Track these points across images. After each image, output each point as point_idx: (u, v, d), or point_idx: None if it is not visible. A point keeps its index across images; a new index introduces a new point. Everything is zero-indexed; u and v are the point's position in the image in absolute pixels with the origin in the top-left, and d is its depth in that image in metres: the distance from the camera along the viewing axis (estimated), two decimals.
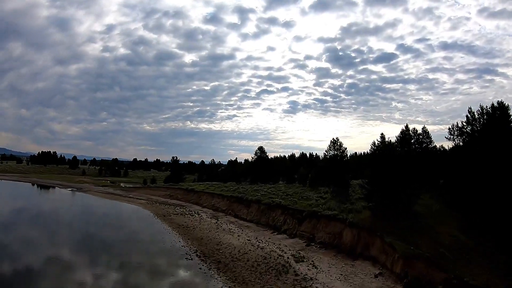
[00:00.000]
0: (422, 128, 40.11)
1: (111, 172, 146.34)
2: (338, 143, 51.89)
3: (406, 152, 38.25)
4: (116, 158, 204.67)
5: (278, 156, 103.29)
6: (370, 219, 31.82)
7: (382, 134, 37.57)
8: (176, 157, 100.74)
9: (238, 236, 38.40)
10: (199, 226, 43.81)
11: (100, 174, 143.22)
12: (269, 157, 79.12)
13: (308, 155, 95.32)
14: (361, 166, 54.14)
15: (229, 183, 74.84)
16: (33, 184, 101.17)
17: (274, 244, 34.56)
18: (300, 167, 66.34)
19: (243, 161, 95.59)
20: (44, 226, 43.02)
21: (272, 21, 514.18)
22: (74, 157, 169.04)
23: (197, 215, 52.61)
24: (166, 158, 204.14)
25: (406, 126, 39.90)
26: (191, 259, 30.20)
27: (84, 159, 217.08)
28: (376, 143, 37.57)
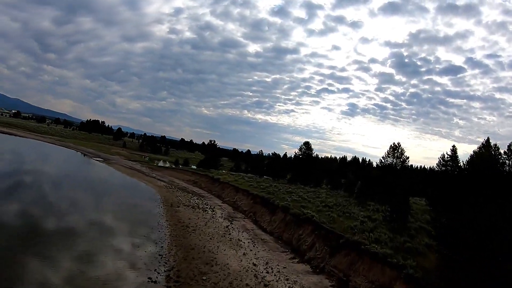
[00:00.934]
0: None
1: (152, 149, 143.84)
2: (399, 150, 39.15)
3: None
4: (164, 136, 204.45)
5: (330, 157, 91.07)
6: (439, 273, 19.48)
7: (454, 147, 29.41)
8: (214, 141, 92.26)
9: (244, 254, 27.45)
10: (202, 228, 33.69)
11: (141, 149, 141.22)
12: (317, 156, 66.98)
13: (360, 160, 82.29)
14: (418, 183, 42.04)
15: (264, 179, 64.13)
16: (58, 147, 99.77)
17: (287, 280, 22.99)
18: (349, 172, 54.52)
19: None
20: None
21: (340, 19, 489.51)
22: (119, 129, 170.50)
23: (210, 212, 42.70)
24: (221, 143, 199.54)
25: (487, 141, 25.88)
26: (155, 282, 19.99)
27: (133, 132, 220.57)
28: (445, 157, 29.11)
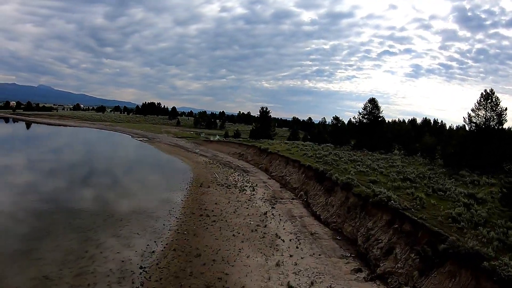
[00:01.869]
0: None
1: (207, 124, 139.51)
2: (493, 100, 26.01)
3: None
4: (223, 111, 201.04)
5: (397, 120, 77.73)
6: None
7: None
8: (266, 108, 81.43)
9: (278, 264, 17.30)
10: (228, 218, 24.38)
11: (195, 126, 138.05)
12: (384, 119, 52.97)
13: (432, 122, 67.68)
14: None
15: (324, 146, 52.43)
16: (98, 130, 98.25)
17: None
18: (424, 136, 42.59)
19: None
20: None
21: None
22: (174, 108, 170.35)
23: (249, 191, 33.32)
24: (282, 115, 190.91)
25: None
26: None
27: (190, 111, 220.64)
28: None
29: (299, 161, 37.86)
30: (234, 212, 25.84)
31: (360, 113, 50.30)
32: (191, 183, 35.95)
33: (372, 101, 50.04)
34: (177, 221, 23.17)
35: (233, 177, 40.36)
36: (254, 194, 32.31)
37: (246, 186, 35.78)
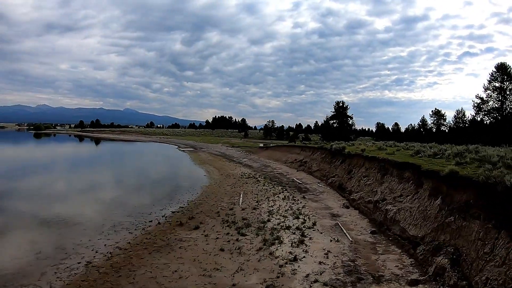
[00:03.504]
0: None
1: (278, 135, 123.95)
2: None
3: None
4: (299, 123, 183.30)
5: None
6: None
7: None
8: (342, 102, 58.83)
9: None
10: None
11: (265, 137, 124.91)
12: None
13: None
14: None
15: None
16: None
17: None
18: None
19: None
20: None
21: None
22: (243, 120, 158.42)
23: (286, 250, 12.40)
24: (365, 127, 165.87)
25: None
26: None
27: (265, 125, 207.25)
28: None
29: (420, 167, 15.13)
30: None
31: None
32: (171, 216, 16.58)
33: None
34: None
35: (272, 203, 19.77)
36: (297, 260, 11.24)
37: (288, 228, 14.78)
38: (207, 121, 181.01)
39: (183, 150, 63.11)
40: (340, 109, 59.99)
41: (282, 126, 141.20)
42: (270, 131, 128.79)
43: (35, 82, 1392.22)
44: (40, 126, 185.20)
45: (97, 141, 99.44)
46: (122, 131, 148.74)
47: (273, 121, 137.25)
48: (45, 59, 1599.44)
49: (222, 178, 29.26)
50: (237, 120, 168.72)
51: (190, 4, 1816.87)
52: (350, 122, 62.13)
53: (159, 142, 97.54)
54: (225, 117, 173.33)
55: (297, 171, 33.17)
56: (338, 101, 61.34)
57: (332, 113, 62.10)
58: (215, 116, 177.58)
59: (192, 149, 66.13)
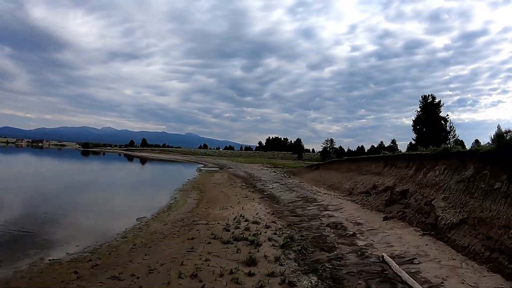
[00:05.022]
0: None
1: (338, 157, 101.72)
2: None
3: None
4: (361, 145, 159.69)
5: None
6: None
7: None
8: (430, 94, 36.86)
9: None
10: None
11: (323, 160, 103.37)
12: None
13: None
14: None
15: None
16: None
17: None
18: None
19: None
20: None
21: None
22: (298, 140, 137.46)
23: None
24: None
25: None
26: None
27: (322, 147, 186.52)
28: None
29: None
30: None
31: None
32: None
33: None
34: None
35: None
36: None
37: None
38: (259, 143, 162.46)
39: (200, 170, 47.10)
40: (428, 105, 38.84)
41: (341, 146, 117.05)
42: (328, 152, 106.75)
43: (101, 105, 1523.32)
44: (88, 144, 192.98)
45: (129, 158, 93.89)
46: (162, 150, 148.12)
47: (331, 140, 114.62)
48: (111, 84, 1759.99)
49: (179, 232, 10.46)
50: (292, 142, 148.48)
51: (247, 31, 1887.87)
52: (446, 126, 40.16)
53: (191, 161, 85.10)
54: (280, 138, 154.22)
55: (385, 220, 12.73)
56: (425, 95, 40.25)
57: (418, 113, 40.59)
58: (269, 137, 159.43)
59: (217, 168, 50.71)
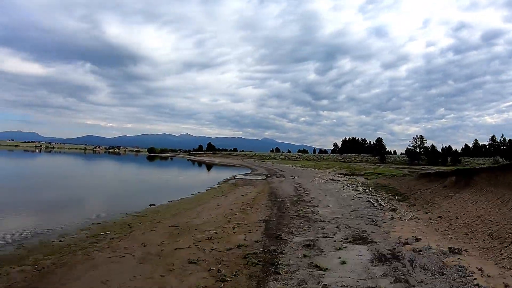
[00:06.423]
0: None
1: (430, 160, 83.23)
2: None
3: None
4: (448, 146, 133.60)
5: None
6: None
7: None
8: None
9: None
10: None
11: (411, 162, 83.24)
12: None
13: None
14: None
15: None
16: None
17: None
18: None
19: None
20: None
21: None
22: (379, 140, 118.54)
23: None
24: None
25: None
26: None
27: (407, 148, 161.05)
28: None
29: None
30: None
31: None
32: None
33: None
34: None
35: None
36: None
37: None
38: (335, 144, 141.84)
39: (233, 178, 34.26)
40: None
41: (433, 145, 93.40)
42: (417, 154, 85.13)
43: (180, 114, 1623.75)
44: (154, 149, 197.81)
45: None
46: (223, 154, 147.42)
47: (421, 137, 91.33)
48: (189, 93, 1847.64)
49: None
50: (371, 143, 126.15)
51: (318, 34, 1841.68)
52: None
53: (243, 165, 75.09)
54: (357, 139, 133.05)
55: None
56: None
57: None
58: (345, 138, 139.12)
59: (262, 177, 36.73)
